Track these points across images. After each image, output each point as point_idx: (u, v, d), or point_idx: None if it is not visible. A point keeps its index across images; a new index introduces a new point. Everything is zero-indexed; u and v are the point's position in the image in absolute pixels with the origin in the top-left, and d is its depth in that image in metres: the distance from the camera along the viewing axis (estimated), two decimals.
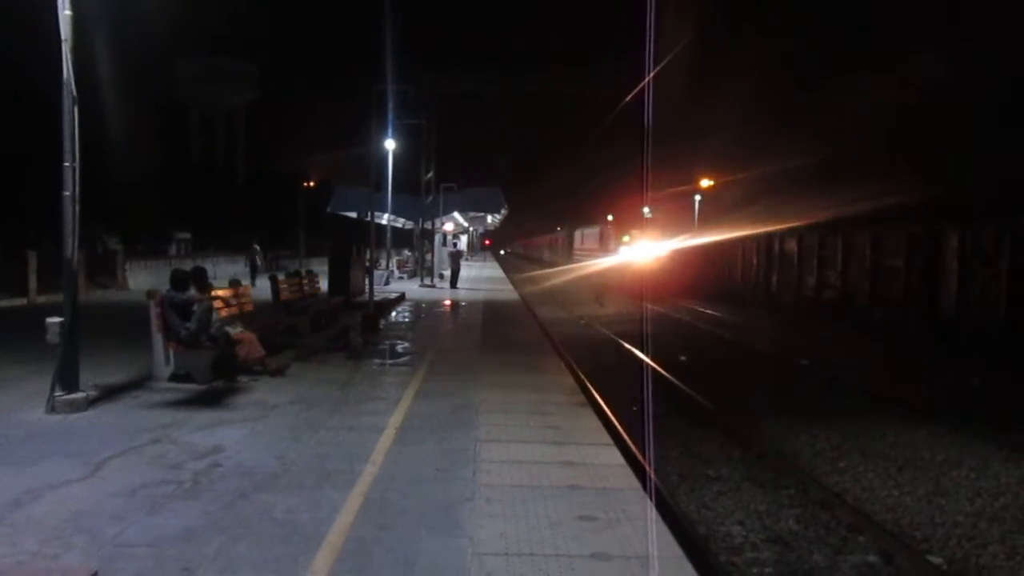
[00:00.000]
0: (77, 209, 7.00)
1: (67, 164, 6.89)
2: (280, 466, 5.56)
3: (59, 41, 6.80)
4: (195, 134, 73.54)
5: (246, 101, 77.74)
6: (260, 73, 78.30)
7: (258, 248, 30.73)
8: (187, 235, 40.16)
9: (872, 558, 5.87)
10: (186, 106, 74.24)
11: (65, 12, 6.81)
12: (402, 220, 38.07)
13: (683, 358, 14.70)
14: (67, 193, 6.92)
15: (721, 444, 8.85)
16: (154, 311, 8.43)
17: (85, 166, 7.13)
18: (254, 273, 27.45)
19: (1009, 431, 9.04)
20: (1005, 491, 7.33)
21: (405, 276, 32.54)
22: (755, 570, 5.69)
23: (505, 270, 49.95)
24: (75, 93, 6.87)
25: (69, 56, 6.81)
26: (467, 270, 38.83)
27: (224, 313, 9.60)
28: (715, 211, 34.72)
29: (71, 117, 6.89)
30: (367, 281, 16.17)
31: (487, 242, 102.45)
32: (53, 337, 6.95)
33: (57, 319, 6.95)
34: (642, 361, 14.20)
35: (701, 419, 9.94)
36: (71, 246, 7.00)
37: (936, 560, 5.81)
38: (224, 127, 75.86)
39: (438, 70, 33.34)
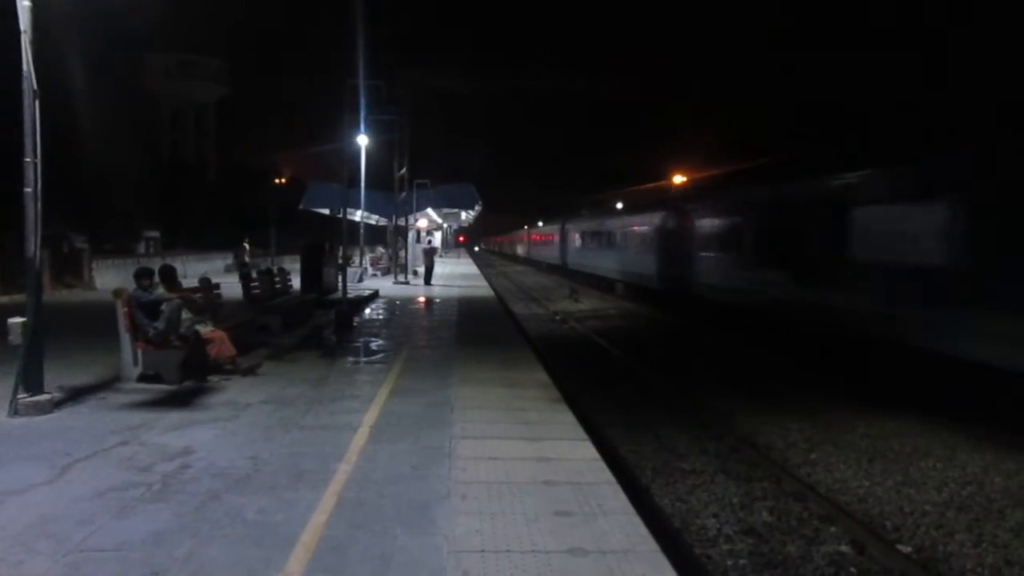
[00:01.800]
0: (39, 206, 6.82)
1: (28, 160, 6.71)
2: (252, 466, 5.47)
3: (18, 33, 6.62)
4: (164, 130, 72.24)
5: (216, 97, 76.59)
6: (230, 69, 77.25)
7: (247, 246, 30.17)
8: (156, 233, 39.47)
9: (844, 548, 5.95)
10: (155, 102, 72.96)
11: (24, 3, 6.62)
12: (375, 217, 37.76)
13: None
14: (28, 190, 6.74)
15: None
16: (121, 310, 8.26)
17: (49, 162, 6.96)
18: (243, 271, 26.92)
19: (974, 422, 9.22)
20: (971, 480, 7.48)
21: (379, 273, 32.31)
22: (729, 562, 5.73)
23: (479, 266, 49.90)
24: (36, 87, 6.68)
25: (29, 48, 6.63)
26: (441, 267, 38.69)
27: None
28: None
29: (32, 112, 6.70)
30: (340, 278, 16.02)
31: (462, 239, 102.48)
32: (16, 338, 6.77)
33: (20, 319, 6.78)
34: None
35: None
36: (33, 244, 6.82)
37: (905, 549, 5.91)
38: (194, 123, 74.63)
39: (412, 66, 33.16)
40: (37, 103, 6.74)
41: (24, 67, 6.66)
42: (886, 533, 6.24)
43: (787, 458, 8.25)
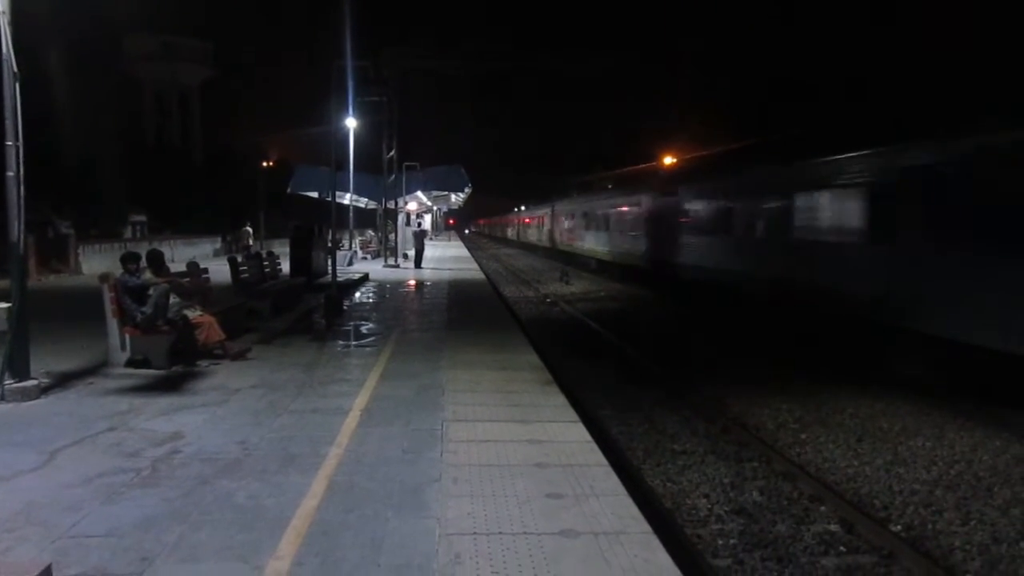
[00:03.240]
0: (22, 190, 6.73)
1: (9, 143, 6.62)
2: (242, 451, 5.44)
3: None
4: (149, 113, 71.40)
5: (201, 79, 75.71)
6: (215, 50, 76.33)
7: (250, 230, 29.70)
8: (143, 218, 39.13)
9: (833, 527, 5.99)
10: (139, 85, 72.08)
11: None
12: (364, 200, 37.54)
13: None
14: (10, 174, 6.65)
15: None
16: (108, 295, 8.18)
17: (32, 146, 6.86)
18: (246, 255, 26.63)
19: (963, 401, 9.30)
20: (960, 459, 7.54)
21: (369, 257, 32.19)
22: (720, 541, 5.77)
23: (470, 249, 49.81)
24: (16, 69, 6.57)
25: (7, 29, 6.50)
26: (432, 250, 38.55)
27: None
28: None
29: (12, 94, 6.59)
30: (330, 262, 15.93)
31: (452, 222, 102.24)
32: (1, 323, 6.70)
33: (4, 305, 6.70)
34: None
35: None
36: (17, 229, 6.74)
37: (895, 528, 5.96)
38: (179, 106, 73.77)
39: (400, 46, 32.74)
40: (17, 85, 6.63)
41: (3, 49, 6.54)
42: (875, 512, 6.29)
43: (777, 438, 8.29)
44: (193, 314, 8.86)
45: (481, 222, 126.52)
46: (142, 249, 9.58)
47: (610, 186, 42.52)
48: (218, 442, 5.65)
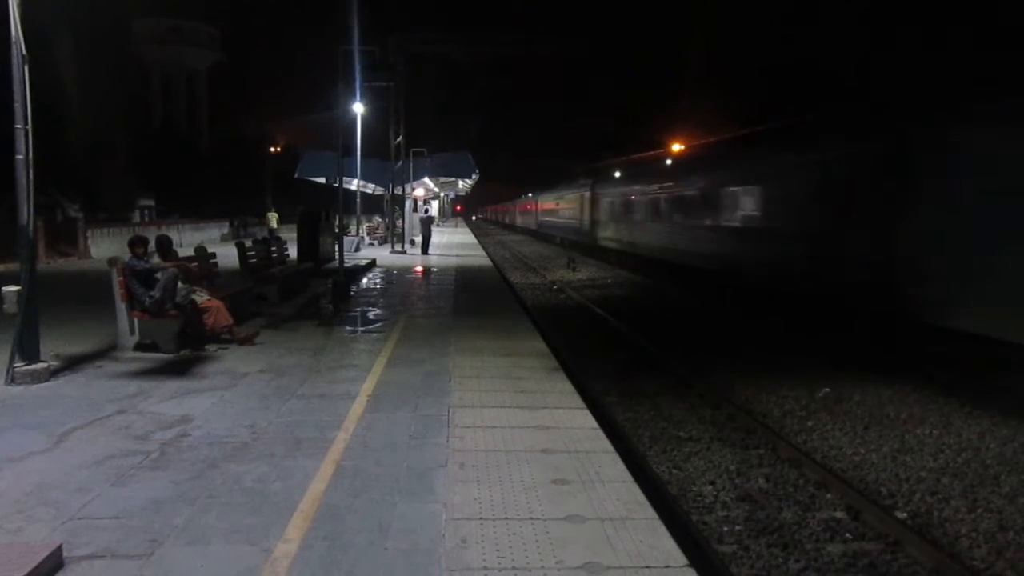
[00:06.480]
0: (31, 174, 6.74)
1: (18, 127, 6.61)
2: (250, 435, 5.47)
3: None
4: (156, 98, 71.42)
5: (208, 64, 75.66)
6: (222, 35, 76.30)
7: (275, 214, 29.35)
8: (151, 202, 39.26)
9: (839, 514, 6.00)
10: (146, 69, 72.07)
11: None
12: (372, 186, 37.48)
13: None
14: (19, 157, 6.65)
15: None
16: (116, 279, 8.22)
17: (41, 129, 6.87)
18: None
19: (970, 389, 9.26)
20: (967, 447, 7.52)
21: (376, 243, 32.19)
22: (726, 528, 5.78)
23: (476, 236, 49.77)
24: (24, 51, 6.56)
25: (16, 11, 6.49)
26: (439, 236, 38.57)
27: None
28: None
29: (21, 77, 6.59)
30: (337, 247, 15.93)
31: (459, 208, 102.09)
32: (11, 306, 6.74)
33: (14, 288, 6.74)
34: None
35: None
36: (26, 212, 6.75)
37: (901, 515, 5.96)
38: (186, 91, 73.76)
39: (408, 32, 32.55)
40: (26, 68, 6.63)
41: (12, 31, 6.52)
42: (881, 499, 6.29)
43: (783, 425, 8.29)
44: (201, 299, 8.89)
45: (492, 209, 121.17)
46: (150, 233, 9.62)
47: None
48: (226, 426, 5.68)
